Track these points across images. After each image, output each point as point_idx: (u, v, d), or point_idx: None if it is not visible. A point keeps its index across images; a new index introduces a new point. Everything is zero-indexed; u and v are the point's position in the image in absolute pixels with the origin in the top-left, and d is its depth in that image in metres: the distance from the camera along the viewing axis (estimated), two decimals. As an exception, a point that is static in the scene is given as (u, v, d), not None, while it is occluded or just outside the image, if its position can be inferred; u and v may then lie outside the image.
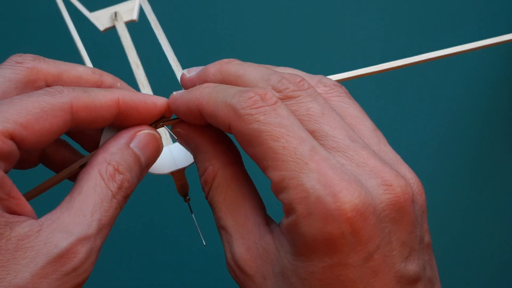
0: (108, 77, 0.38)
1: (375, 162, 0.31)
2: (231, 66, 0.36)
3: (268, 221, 0.34)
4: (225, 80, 0.35)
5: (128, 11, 0.50)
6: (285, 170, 0.30)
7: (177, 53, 0.44)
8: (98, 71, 0.38)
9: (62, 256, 0.29)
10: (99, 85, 0.37)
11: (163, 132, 0.43)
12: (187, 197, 0.43)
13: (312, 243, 0.30)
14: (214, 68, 0.36)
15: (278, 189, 0.31)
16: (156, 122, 0.37)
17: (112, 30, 0.50)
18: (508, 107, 0.70)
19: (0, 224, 0.29)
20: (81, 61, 0.43)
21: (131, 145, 0.34)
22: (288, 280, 0.31)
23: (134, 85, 0.45)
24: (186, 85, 0.38)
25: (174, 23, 0.68)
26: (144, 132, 0.35)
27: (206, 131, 0.36)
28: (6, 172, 0.30)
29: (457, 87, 0.71)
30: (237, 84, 0.34)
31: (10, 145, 0.30)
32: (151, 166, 0.36)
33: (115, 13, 0.50)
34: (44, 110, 0.31)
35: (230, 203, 0.34)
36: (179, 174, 0.41)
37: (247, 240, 0.33)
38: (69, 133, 0.38)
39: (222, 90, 0.33)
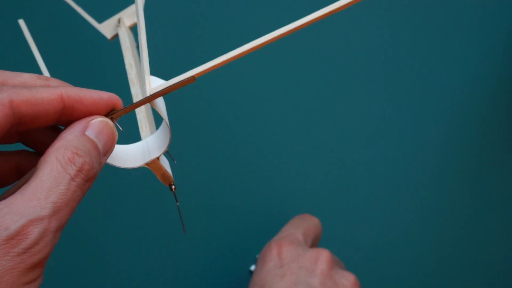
0: (54, 82, 0.37)
1: None
2: None
3: None
4: None
5: (131, 15, 0.50)
6: None
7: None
8: (43, 77, 0.37)
9: (12, 238, 0.29)
10: None
11: (144, 125, 0.42)
12: (173, 186, 0.42)
13: None
14: None
15: None
16: (107, 115, 0.36)
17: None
18: (508, 107, 0.69)
19: None
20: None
21: (86, 133, 0.34)
22: None
23: (127, 83, 0.45)
24: None
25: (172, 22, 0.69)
26: (97, 120, 0.35)
27: None
28: None
29: (457, 87, 0.70)
30: None
31: None
32: (109, 153, 0.35)
33: (119, 20, 0.50)
34: None
35: None
36: (154, 164, 0.40)
37: None
38: (24, 140, 0.38)
39: None
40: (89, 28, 0.51)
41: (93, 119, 0.35)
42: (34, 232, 0.29)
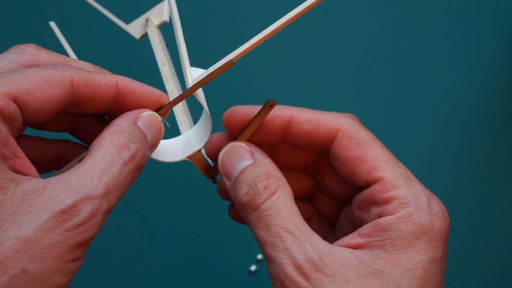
0: (108, 72, 0.38)
1: None
2: None
3: None
4: None
5: (159, 14, 0.50)
6: (398, 172, 0.36)
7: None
8: (98, 67, 0.38)
9: (65, 212, 0.29)
10: None
11: (182, 120, 0.42)
12: (215, 179, 0.41)
13: (423, 233, 0.35)
14: None
15: (392, 186, 0.35)
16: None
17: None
18: (508, 107, 0.69)
19: (5, 179, 0.29)
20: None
21: (138, 123, 0.35)
22: (385, 276, 0.34)
23: (160, 80, 0.45)
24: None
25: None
26: (148, 113, 0.35)
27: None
28: None
29: (456, 87, 0.69)
30: None
31: (13, 107, 0.30)
32: (155, 147, 0.36)
33: (147, 19, 0.50)
34: (46, 80, 0.32)
35: (295, 214, 0.34)
36: (196, 157, 0.40)
37: (320, 248, 0.33)
38: (73, 129, 0.38)
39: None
40: (114, 30, 0.51)
41: (144, 112, 0.35)
42: (86, 210, 0.30)
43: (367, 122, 0.69)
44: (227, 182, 0.37)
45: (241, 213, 0.35)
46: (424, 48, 0.69)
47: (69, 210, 0.29)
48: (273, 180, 0.35)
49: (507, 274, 0.66)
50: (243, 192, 0.35)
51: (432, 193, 0.37)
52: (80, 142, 0.39)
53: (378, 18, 0.70)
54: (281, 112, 0.37)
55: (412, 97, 0.69)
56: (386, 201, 0.35)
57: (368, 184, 0.36)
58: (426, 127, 0.68)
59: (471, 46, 0.69)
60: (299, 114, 0.37)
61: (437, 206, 0.36)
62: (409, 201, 0.35)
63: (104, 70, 0.38)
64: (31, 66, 0.34)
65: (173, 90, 0.44)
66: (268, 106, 0.36)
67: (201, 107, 0.38)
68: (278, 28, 0.34)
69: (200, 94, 0.37)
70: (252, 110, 0.37)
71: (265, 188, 0.34)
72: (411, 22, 0.70)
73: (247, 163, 0.36)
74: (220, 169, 0.37)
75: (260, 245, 0.34)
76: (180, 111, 0.42)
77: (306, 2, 0.34)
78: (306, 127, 0.37)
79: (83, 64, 0.37)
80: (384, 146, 0.37)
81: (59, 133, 0.38)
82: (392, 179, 0.36)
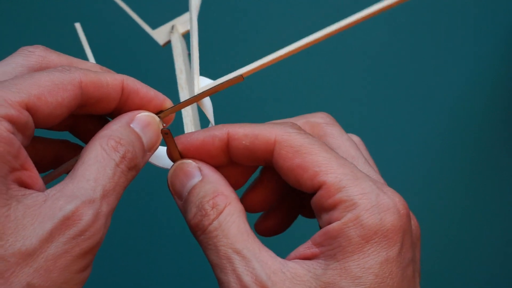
0: (114, 73, 0.37)
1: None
2: None
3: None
4: None
5: (185, 22, 0.50)
6: (342, 173, 0.33)
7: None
8: (105, 68, 0.38)
9: (68, 219, 0.29)
10: None
11: (190, 129, 0.42)
12: None
13: (372, 235, 0.32)
14: None
15: (336, 189, 0.33)
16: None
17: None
18: (508, 107, 0.68)
19: (7, 195, 0.29)
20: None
21: (132, 125, 0.34)
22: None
23: (176, 88, 0.45)
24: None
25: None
26: (144, 114, 0.35)
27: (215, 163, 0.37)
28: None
29: (456, 87, 0.69)
30: None
31: (26, 116, 0.30)
32: (153, 150, 0.36)
33: (172, 26, 0.50)
34: (55, 84, 0.32)
35: (243, 233, 0.34)
36: None
37: (269, 266, 0.33)
38: (73, 129, 0.38)
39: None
40: (141, 34, 0.51)
41: (139, 113, 0.35)
42: (88, 214, 0.29)
43: (367, 122, 0.69)
44: (179, 203, 0.36)
45: (193, 235, 0.35)
46: (423, 48, 0.69)
47: (71, 216, 0.29)
48: (221, 198, 0.34)
49: (507, 274, 0.65)
50: (192, 214, 0.34)
51: (384, 185, 0.35)
52: (79, 142, 0.39)
53: (378, 19, 0.69)
54: (218, 132, 0.36)
55: (412, 97, 0.69)
56: (332, 207, 0.33)
57: (315, 191, 0.35)
58: (425, 127, 0.68)
59: (471, 46, 0.68)
60: (236, 130, 0.36)
61: (387, 200, 0.33)
62: (354, 202, 0.33)
63: (111, 71, 0.38)
64: (40, 69, 0.34)
65: (185, 98, 0.43)
66: (164, 134, 0.36)
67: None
68: (294, 50, 0.34)
69: (207, 105, 0.37)
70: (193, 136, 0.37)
71: (213, 207, 0.34)
72: (411, 22, 0.70)
73: (195, 181, 0.35)
74: (171, 189, 0.37)
75: (212, 268, 0.34)
76: (189, 121, 0.41)
77: (325, 29, 0.34)
78: (244, 142, 0.36)
79: (91, 65, 0.37)
80: (326, 147, 0.35)
81: (59, 132, 0.38)
82: (335, 182, 0.33)
